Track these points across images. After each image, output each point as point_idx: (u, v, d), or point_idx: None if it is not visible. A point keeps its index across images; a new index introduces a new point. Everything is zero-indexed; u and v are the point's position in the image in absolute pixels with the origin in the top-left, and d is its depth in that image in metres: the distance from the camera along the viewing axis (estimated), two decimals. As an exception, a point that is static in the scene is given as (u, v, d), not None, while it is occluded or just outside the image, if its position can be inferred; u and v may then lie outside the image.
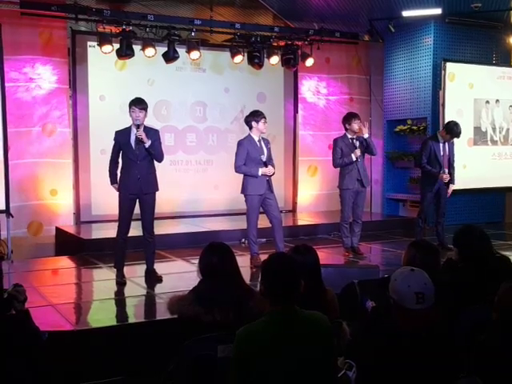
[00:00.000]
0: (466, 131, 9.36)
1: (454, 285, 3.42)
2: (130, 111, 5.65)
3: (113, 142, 5.81)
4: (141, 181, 5.69)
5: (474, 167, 9.23)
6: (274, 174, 6.44)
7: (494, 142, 9.68)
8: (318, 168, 10.35)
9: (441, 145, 7.35)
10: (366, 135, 6.97)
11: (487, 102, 9.55)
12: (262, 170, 6.30)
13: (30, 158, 8.17)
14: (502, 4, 8.53)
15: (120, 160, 5.78)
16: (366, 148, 7.01)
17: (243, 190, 6.43)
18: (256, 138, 6.40)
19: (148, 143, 5.63)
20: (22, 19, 7.95)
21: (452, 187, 7.47)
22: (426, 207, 7.46)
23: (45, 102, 8.28)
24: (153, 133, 5.77)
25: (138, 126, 5.60)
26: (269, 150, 6.48)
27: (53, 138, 8.35)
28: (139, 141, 5.60)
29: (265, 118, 6.40)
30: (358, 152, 6.89)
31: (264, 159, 6.34)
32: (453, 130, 7.28)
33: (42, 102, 8.26)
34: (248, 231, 6.49)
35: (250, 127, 6.41)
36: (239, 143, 6.44)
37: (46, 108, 8.30)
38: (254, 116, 6.38)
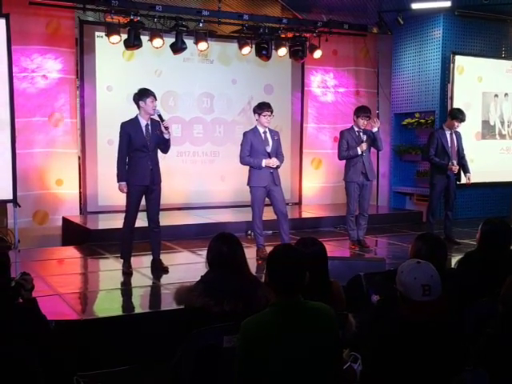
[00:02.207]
0: (474, 125, 9.34)
1: (466, 276, 3.41)
2: (146, 101, 5.58)
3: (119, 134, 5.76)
4: (153, 172, 5.69)
5: (481, 161, 9.18)
6: (278, 166, 6.43)
7: (503, 136, 9.63)
8: (322, 161, 10.34)
9: (447, 135, 7.32)
10: (374, 129, 6.93)
11: (496, 95, 9.49)
12: (265, 162, 6.30)
13: (36, 147, 8.18)
14: (511, -3, 8.48)
15: None
16: (373, 142, 6.98)
17: (248, 182, 6.45)
18: (261, 130, 6.38)
19: (169, 135, 5.65)
20: (30, 9, 7.94)
21: (470, 176, 7.40)
22: (434, 200, 7.43)
23: (52, 92, 8.28)
24: (158, 123, 5.76)
25: (161, 117, 5.62)
26: (276, 142, 6.45)
27: (59, 128, 8.36)
28: (161, 131, 5.61)
29: (268, 111, 6.32)
30: (363, 146, 6.85)
31: (269, 150, 6.32)
32: (456, 114, 7.31)
33: (48, 92, 8.25)
34: (253, 223, 6.50)
35: (256, 119, 6.42)
36: (244, 134, 6.46)
37: (53, 98, 8.29)
38: (258, 109, 6.37)
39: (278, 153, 6.45)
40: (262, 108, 6.34)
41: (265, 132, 6.39)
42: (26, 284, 2.86)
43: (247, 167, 6.48)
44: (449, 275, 3.21)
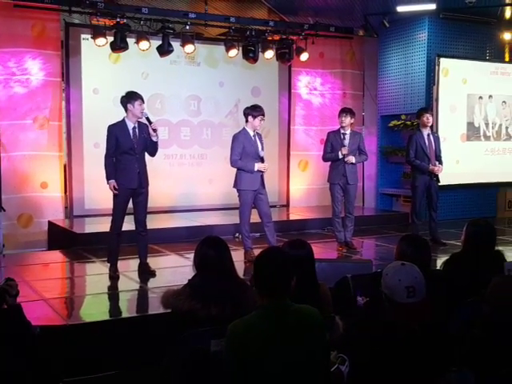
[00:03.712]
0: (459, 126, 9.42)
1: (452, 277, 3.44)
2: (134, 104, 5.57)
3: (106, 136, 5.72)
4: (140, 175, 5.67)
5: (466, 162, 9.26)
6: (266, 170, 6.43)
7: (487, 138, 9.71)
8: (309, 162, 10.37)
9: (425, 137, 7.39)
10: (351, 160, 6.90)
11: (480, 97, 9.57)
12: (257, 166, 6.27)
13: (21, 150, 8.11)
14: (495, 0, 8.54)
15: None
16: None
17: (236, 185, 6.40)
18: (251, 133, 6.35)
19: (157, 137, 5.66)
20: (15, 11, 7.89)
21: (441, 167, 7.41)
22: (417, 202, 7.48)
23: (37, 94, 8.22)
24: (145, 126, 5.74)
25: (149, 119, 5.62)
26: (262, 144, 6.46)
27: (44, 131, 8.30)
28: (149, 134, 5.61)
29: (263, 115, 6.32)
30: (344, 150, 6.88)
31: (261, 154, 6.31)
32: (419, 111, 7.57)
33: (33, 94, 8.19)
34: (241, 226, 6.48)
35: (247, 120, 6.36)
36: (234, 137, 6.39)
37: (38, 101, 8.24)
38: (253, 111, 6.31)
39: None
40: (258, 111, 6.30)
41: (254, 135, 6.38)
42: (10, 290, 2.83)
43: (235, 169, 6.44)
44: (434, 276, 3.23)
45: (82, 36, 8.60)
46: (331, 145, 6.97)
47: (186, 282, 3.19)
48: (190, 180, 9.41)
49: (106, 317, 4.71)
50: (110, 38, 8.05)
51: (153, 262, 6.08)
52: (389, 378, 2.43)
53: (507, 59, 10.24)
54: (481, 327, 2.61)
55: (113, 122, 5.74)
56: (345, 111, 7.04)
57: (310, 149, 10.37)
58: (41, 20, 8.20)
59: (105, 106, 8.36)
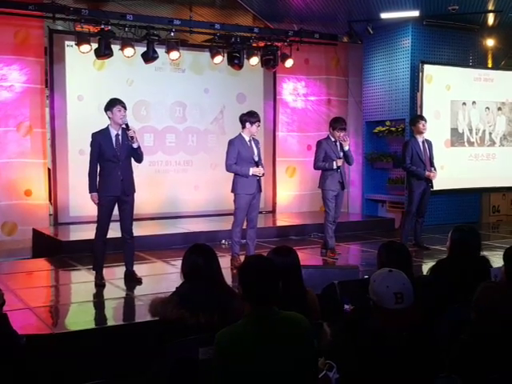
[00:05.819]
0: (444, 132, 9.49)
1: (439, 284, 3.46)
2: (113, 111, 5.55)
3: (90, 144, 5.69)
4: (123, 182, 5.63)
5: (451, 168, 9.33)
6: (264, 174, 6.46)
7: (471, 144, 9.80)
8: (297, 169, 10.39)
9: (420, 144, 7.47)
10: (346, 147, 6.98)
11: (464, 103, 9.65)
12: (252, 170, 6.30)
13: (4, 158, 8.06)
14: (478, 6, 8.64)
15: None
16: (344, 158, 7.04)
17: (233, 189, 6.43)
18: (247, 138, 6.40)
19: (137, 143, 5.61)
20: (-2, 18, 7.85)
21: (436, 173, 7.53)
22: (414, 207, 7.50)
23: (20, 101, 8.17)
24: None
25: (127, 126, 5.59)
26: (258, 150, 6.49)
27: (28, 138, 8.25)
28: (129, 141, 5.57)
29: (259, 121, 6.43)
30: (339, 162, 6.92)
31: (256, 159, 6.34)
32: (414, 119, 7.73)
33: (17, 101, 8.14)
34: (232, 231, 6.46)
35: (243, 127, 6.40)
36: (230, 142, 6.43)
37: (22, 108, 8.19)
38: (250, 117, 6.38)
39: (260, 161, 6.46)
40: (255, 117, 6.37)
41: (250, 140, 6.41)
42: (-4, 299, 2.80)
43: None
44: (421, 283, 3.24)
45: (66, 43, 8.56)
46: (325, 153, 6.97)
47: (172, 289, 3.18)
48: (175, 187, 9.39)
49: (92, 325, 4.66)
50: (95, 45, 8.02)
51: (138, 269, 6.04)
52: (377, 385, 2.44)
53: (490, 65, 10.38)
54: (468, 333, 2.63)
55: (97, 130, 5.71)
56: (343, 127, 7.00)
57: (296, 155, 10.40)
58: (24, 27, 8.16)
59: (89, 113, 8.33)
